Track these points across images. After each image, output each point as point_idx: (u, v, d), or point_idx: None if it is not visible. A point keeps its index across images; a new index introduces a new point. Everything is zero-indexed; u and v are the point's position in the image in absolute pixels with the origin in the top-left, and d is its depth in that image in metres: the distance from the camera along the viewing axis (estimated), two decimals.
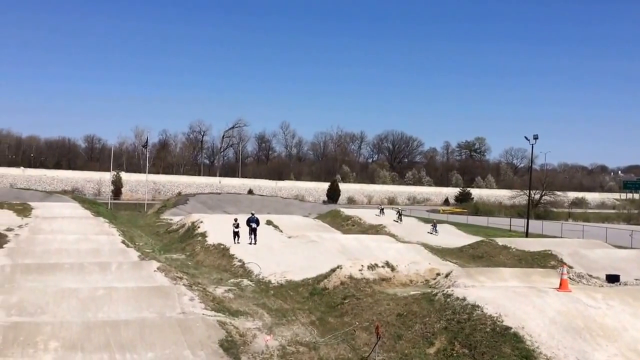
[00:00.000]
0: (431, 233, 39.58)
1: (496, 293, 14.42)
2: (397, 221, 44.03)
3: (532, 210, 56.24)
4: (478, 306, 13.37)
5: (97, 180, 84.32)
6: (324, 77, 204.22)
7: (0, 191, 58.06)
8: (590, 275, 19.45)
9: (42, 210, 36.43)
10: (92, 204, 49.18)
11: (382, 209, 51.31)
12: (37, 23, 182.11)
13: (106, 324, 12.61)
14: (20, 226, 29.53)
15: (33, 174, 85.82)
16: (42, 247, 22.74)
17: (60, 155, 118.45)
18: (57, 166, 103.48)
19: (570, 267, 21.97)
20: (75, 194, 65.35)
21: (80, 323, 12.60)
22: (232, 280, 19.89)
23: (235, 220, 26.97)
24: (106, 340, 11.87)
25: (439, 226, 40.14)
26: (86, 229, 28.90)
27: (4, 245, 23.29)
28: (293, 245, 26.67)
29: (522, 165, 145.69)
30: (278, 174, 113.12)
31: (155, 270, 18.24)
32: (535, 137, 41.38)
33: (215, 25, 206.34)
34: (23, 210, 35.36)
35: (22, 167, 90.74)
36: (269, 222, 34.51)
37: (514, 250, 28.35)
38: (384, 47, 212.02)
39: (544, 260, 25.75)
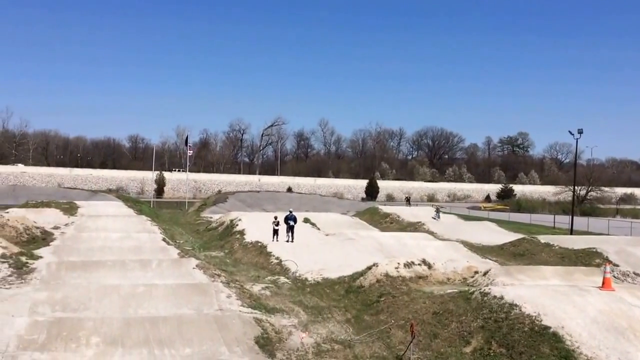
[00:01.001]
0: (434, 218, 43.30)
1: (535, 292, 14.08)
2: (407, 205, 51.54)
3: (578, 207, 54.57)
4: (516, 305, 13.09)
5: (141, 179, 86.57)
6: (362, 74, 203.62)
7: (49, 190, 60.42)
8: (637, 274, 18.75)
9: (88, 209, 37.63)
10: (135, 203, 50.44)
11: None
12: (82, 26, 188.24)
13: (146, 320, 12.92)
14: (66, 224, 30.55)
15: (80, 173, 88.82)
16: (87, 244, 23.45)
17: (105, 155, 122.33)
18: (103, 166, 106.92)
19: (616, 265, 21.23)
20: (119, 193, 67.26)
21: (121, 319, 12.95)
22: (269, 277, 20.06)
23: (275, 218, 27.14)
24: (145, 336, 12.16)
25: (482, 223, 39.66)
26: (129, 227, 29.66)
27: (51, 243, 24.16)
28: (330, 243, 26.71)
29: (567, 160, 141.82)
30: (317, 172, 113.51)
31: (194, 268, 18.58)
32: (580, 132, 40.05)
33: (253, 23, 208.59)
34: (69, 209, 36.57)
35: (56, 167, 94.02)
36: (306, 220, 34.63)
37: (556, 248, 27.55)
38: (422, 42, 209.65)
39: (588, 258, 24.90)
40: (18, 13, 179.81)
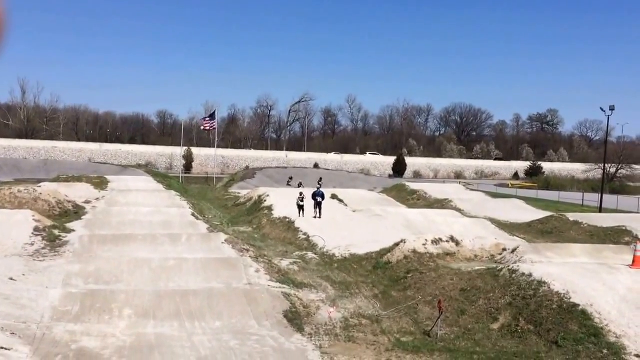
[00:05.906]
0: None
1: (564, 269, 13.94)
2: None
3: (607, 185, 53.35)
4: (545, 282, 13.00)
5: (169, 154, 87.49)
6: (390, 50, 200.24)
7: (80, 165, 61.60)
8: None
9: (118, 184, 38.34)
10: (164, 178, 51.16)
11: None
12: (113, 8, 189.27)
13: (176, 293, 13.21)
14: (97, 199, 31.19)
15: (109, 148, 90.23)
16: (118, 219, 23.92)
17: (134, 130, 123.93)
18: (132, 141, 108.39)
19: None
20: (148, 168, 68.21)
21: (152, 292, 13.26)
22: (297, 253, 20.25)
23: (301, 194, 27.27)
24: (176, 309, 12.42)
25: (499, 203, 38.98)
26: (158, 202, 30.17)
27: (83, 217, 24.70)
28: (357, 219, 26.76)
29: (597, 138, 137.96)
30: (344, 148, 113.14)
31: (223, 242, 18.86)
32: (612, 108, 39.11)
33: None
34: (100, 183, 37.32)
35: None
36: (334, 196, 34.69)
37: (585, 225, 27.13)
38: (450, 17, 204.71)
39: (617, 236, 24.57)
40: None
